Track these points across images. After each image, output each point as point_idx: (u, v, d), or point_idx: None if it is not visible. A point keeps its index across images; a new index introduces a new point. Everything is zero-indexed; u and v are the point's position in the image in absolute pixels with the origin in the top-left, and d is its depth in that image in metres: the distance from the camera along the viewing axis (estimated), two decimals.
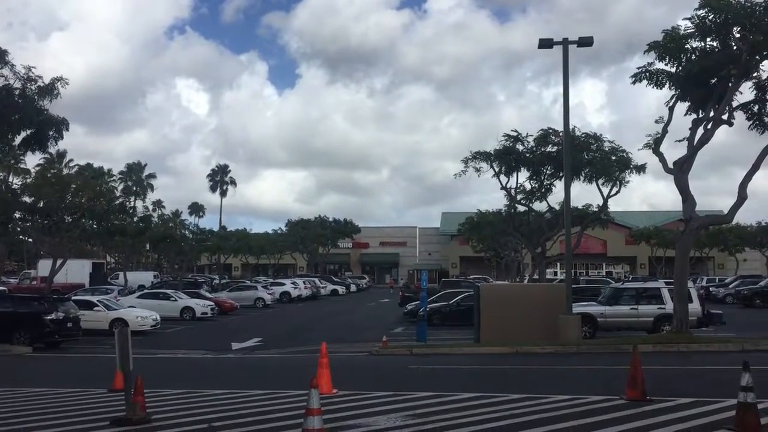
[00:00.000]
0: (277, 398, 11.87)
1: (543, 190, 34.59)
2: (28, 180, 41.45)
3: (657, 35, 21.42)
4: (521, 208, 37.96)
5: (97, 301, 30.78)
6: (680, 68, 21.39)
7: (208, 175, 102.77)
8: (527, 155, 32.83)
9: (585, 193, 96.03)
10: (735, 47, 20.60)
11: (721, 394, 11.04)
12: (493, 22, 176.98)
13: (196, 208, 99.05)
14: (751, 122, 22.33)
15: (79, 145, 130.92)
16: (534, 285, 33.79)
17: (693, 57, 21.07)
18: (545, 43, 22.67)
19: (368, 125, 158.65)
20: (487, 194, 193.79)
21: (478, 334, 23.00)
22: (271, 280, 62.83)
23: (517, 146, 32.84)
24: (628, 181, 33.12)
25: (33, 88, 23.82)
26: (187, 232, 65.38)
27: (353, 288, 73.36)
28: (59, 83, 23.96)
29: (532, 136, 32.60)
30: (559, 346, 20.24)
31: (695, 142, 21.88)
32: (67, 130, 24.79)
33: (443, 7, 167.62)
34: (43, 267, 50.13)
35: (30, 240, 61.58)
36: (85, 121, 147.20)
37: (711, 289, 49.19)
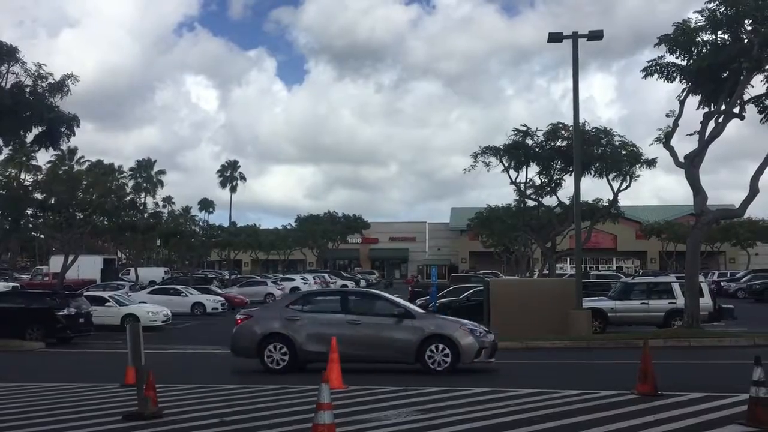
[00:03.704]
0: (289, 393, 11.90)
1: (553, 184, 34.53)
2: (40, 177, 41.72)
3: (667, 28, 21.40)
4: (531, 203, 37.89)
5: (109, 296, 30.97)
6: (691, 62, 21.29)
7: (218, 171, 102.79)
8: (537, 150, 32.76)
9: (595, 188, 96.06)
10: (746, 40, 20.49)
11: (732, 389, 11.00)
12: (501, 16, 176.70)
13: (206, 204, 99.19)
14: (762, 115, 22.22)
15: (90, 142, 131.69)
16: (544, 280, 33.73)
17: (704, 50, 20.97)
18: (554, 37, 22.61)
19: (377, 120, 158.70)
20: (496, 189, 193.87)
21: (487, 329, 22.94)
22: (281, 276, 62.97)
23: (527, 141, 32.80)
24: (638, 176, 33.06)
25: (44, 85, 23.94)
26: (197, 228, 65.58)
27: (363, 283, 73.39)
28: (70, 80, 24.08)
29: (541, 130, 32.59)
30: (569, 341, 20.21)
31: (706, 136, 21.77)
32: (78, 126, 24.91)
33: (451, 1, 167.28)
34: (55, 263, 50.41)
35: (42, 236, 62.05)
36: (95, 117, 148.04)
37: (722, 283, 49.01)
